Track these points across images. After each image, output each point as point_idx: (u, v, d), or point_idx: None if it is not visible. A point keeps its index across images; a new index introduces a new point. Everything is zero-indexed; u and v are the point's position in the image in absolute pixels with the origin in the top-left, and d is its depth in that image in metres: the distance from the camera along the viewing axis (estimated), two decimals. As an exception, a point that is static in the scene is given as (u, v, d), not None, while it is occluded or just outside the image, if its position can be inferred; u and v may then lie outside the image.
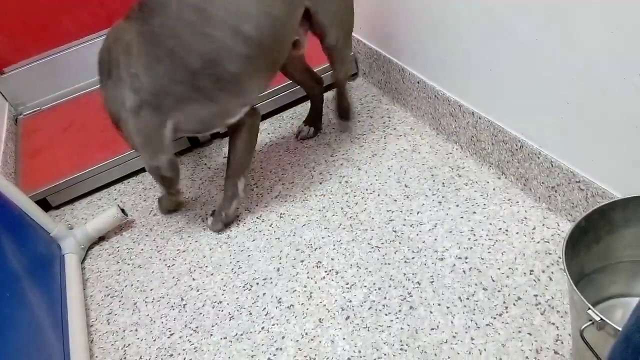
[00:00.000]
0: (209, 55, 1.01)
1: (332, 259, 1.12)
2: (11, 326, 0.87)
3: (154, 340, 1.06)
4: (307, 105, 1.66)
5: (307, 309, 1.03)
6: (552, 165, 1.03)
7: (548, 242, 1.04)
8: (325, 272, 1.10)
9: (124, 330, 1.10)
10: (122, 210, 1.34)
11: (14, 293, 0.94)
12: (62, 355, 0.98)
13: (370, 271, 1.07)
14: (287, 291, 1.08)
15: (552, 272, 0.98)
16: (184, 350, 1.03)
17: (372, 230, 1.16)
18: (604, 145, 0.91)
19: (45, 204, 1.47)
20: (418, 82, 1.38)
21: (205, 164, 1.53)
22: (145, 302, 1.15)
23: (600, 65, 0.84)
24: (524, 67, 1.00)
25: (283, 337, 0.99)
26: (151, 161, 1.10)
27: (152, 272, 1.22)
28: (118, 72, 1.01)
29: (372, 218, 1.19)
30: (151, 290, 1.18)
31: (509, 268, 1.01)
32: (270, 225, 1.25)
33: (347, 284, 1.06)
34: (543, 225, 1.07)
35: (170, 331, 1.07)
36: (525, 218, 1.10)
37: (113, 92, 1.04)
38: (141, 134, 1.06)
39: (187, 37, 1.00)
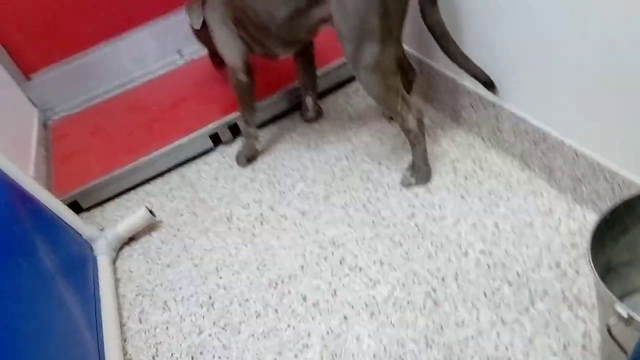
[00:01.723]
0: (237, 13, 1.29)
1: (355, 256, 1.13)
2: (49, 327, 0.91)
3: (185, 338, 1.10)
4: (326, 100, 1.67)
5: (332, 306, 1.04)
6: (576, 155, 1.02)
7: (574, 234, 1.02)
8: (349, 268, 1.11)
9: (156, 329, 1.14)
10: (151, 212, 1.38)
11: (50, 295, 0.98)
12: (97, 354, 1.02)
13: (393, 267, 1.07)
14: (311, 288, 1.09)
15: (580, 266, 0.97)
16: (213, 347, 1.06)
17: (395, 226, 1.16)
18: (630, 134, 0.88)
19: (76, 207, 1.52)
20: (437, 74, 1.36)
21: (228, 162, 1.55)
22: (175, 300, 1.19)
23: (624, 47, 0.81)
24: (545, 55, 0.98)
25: (309, 334, 1.01)
26: (232, 62, 1.38)
27: (181, 271, 1.26)
28: None
29: (395, 214, 1.19)
30: (180, 289, 1.21)
31: (535, 262, 1.00)
32: (293, 223, 1.26)
33: (371, 280, 1.07)
34: (569, 217, 1.06)
35: (199, 329, 1.10)
36: (551, 210, 1.08)
37: (206, 12, 1.36)
38: (221, 40, 1.37)
39: None
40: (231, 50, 1.37)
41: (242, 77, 1.40)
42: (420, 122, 1.18)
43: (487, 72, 1.14)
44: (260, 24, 1.23)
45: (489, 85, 1.14)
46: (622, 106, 0.87)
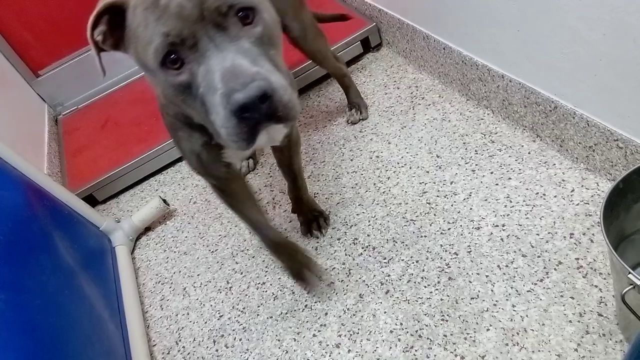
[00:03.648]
0: None
1: (368, 235, 1.14)
2: (73, 320, 0.94)
3: (205, 323, 1.12)
4: (331, 81, 1.65)
5: (347, 286, 1.06)
6: (588, 124, 1.00)
7: (588, 203, 1.02)
8: (362, 248, 1.12)
9: (177, 315, 1.17)
10: (164, 201, 1.40)
11: (72, 289, 1.01)
12: (122, 342, 1.05)
13: (406, 245, 1.08)
14: (326, 269, 1.11)
15: (593, 234, 0.97)
16: (233, 330, 1.08)
17: (406, 203, 1.17)
18: (643, 101, 0.87)
19: (91, 200, 1.55)
20: (444, 48, 1.34)
21: (238, 149, 1.56)
22: (194, 286, 1.21)
23: (632, 15, 0.79)
24: (553, 25, 0.96)
25: (326, 314, 1.03)
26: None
27: (198, 258, 1.28)
28: None
29: (405, 191, 1.19)
30: (198, 275, 1.24)
31: (548, 233, 1.00)
32: (305, 206, 1.27)
33: (385, 258, 1.08)
34: (582, 186, 1.05)
35: (219, 313, 1.13)
36: (563, 180, 1.07)
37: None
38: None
39: None
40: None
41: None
42: (346, 66, 1.44)
43: (494, 43, 1.13)
44: None
45: (345, 18, 1.39)
46: (631, 74, 0.85)
